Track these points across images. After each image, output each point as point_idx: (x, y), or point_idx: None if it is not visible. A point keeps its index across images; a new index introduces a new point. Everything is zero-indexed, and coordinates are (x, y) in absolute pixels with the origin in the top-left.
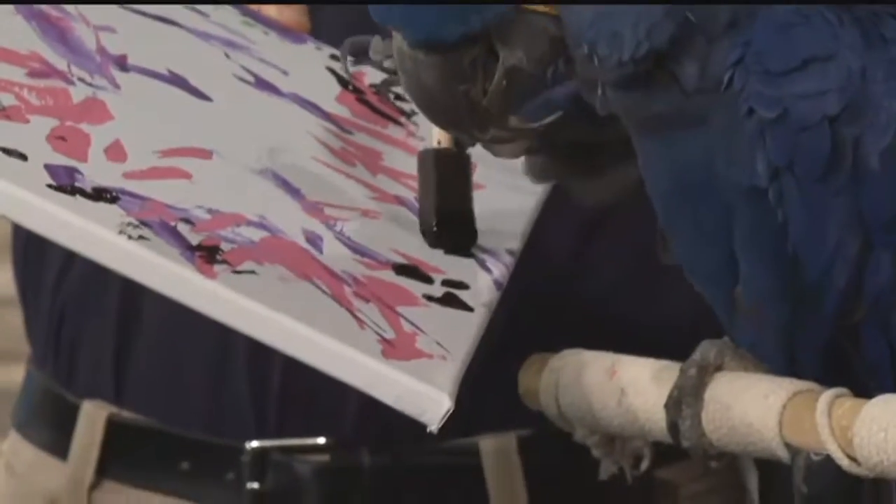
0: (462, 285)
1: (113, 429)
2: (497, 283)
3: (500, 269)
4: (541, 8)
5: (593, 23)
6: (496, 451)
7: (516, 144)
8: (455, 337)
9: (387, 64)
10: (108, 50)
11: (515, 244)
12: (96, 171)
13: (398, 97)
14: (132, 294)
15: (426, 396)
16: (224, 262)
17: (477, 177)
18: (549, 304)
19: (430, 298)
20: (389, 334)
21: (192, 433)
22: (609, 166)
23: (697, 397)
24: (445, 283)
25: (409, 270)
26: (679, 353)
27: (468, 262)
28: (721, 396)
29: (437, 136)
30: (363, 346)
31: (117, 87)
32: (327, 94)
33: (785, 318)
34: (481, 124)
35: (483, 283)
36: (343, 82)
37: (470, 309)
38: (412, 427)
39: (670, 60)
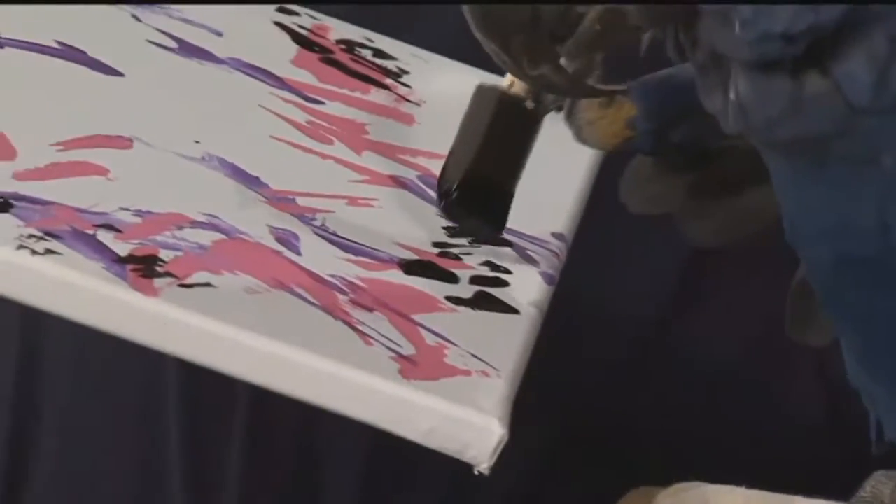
0: (499, 282)
1: None
2: (547, 277)
3: (547, 258)
4: None
5: None
6: None
7: (611, 126)
8: (498, 347)
9: None
10: None
11: (564, 226)
12: None
13: (377, 53)
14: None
15: (468, 424)
16: (167, 274)
17: None
18: (622, 384)
19: (456, 301)
20: (407, 349)
21: None
22: (733, 192)
23: None
24: (475, 280)
25: (423, 267)
26: (800, 457)
27: (504, 253)
28: None
29: (511, 77)
30: (373, 367)
31: None
32: (280, 56)
33: None
34: (536, 53)
35: (528, 277)
36: (301, 40)
37: (514, 311)
38: None
39: (833, 57)
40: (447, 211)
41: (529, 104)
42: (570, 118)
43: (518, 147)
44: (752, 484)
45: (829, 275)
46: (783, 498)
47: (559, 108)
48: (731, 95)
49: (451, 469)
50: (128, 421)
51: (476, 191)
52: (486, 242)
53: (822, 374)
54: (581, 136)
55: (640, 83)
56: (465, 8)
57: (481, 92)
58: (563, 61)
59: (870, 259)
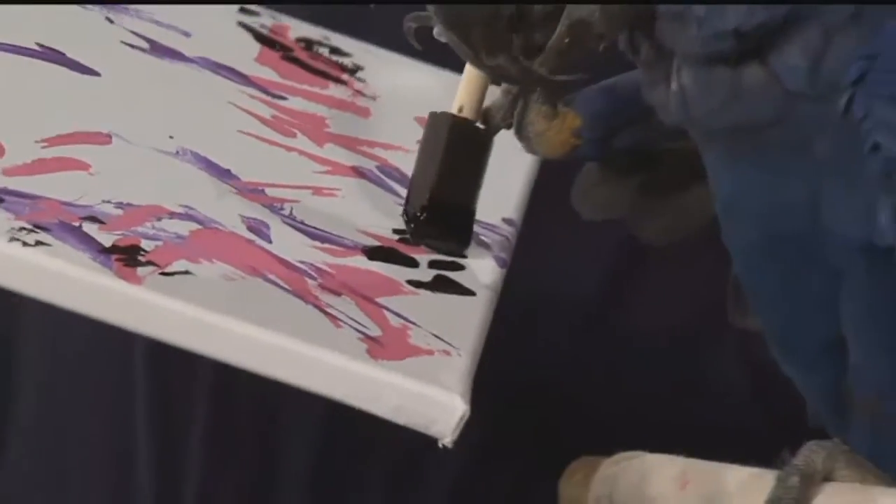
0: (456, 266)
1: None
2: (499, 260)
3: (499, 243)
4: None
5: None
6: None
7: (558, 137)
8: (457, 327)
9: None
10: None
11: (513, 212)
12: None
13: (334, 51)
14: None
15: (433, 401)
16: (149, 263)
17: None
18: (570, 362)
19: (417, 285)
20: (374, 331)
21: None
22: (678, 191)
23: None
24: (434, 264)
25: (385, 253)
26: (730, 431)
27: None
28: None
29: (459, 101)
30: (343, 348)
31: None
32: (244, 54)
33: None
34: (493, 45)
35: (482, 261)
36: (262, 39)
37: (471, 292)
38: None
39: (773, 49)
40: (415, 235)
41: (479, 125)
42: (520, 132)
43: (474, 167)
44: (686, 452)
45: (758, 256)
46: (717, 466)
47: (508, 126)
48: (674, 87)
49: (404, 440)
50: (98, 405)
51: (440, 213)
52: (450, 254)
53: (747, 353)
54: (531, 148)
55: (583, 94)
56: (431, 4)
57: (434, 119)
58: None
59: (799, 236)
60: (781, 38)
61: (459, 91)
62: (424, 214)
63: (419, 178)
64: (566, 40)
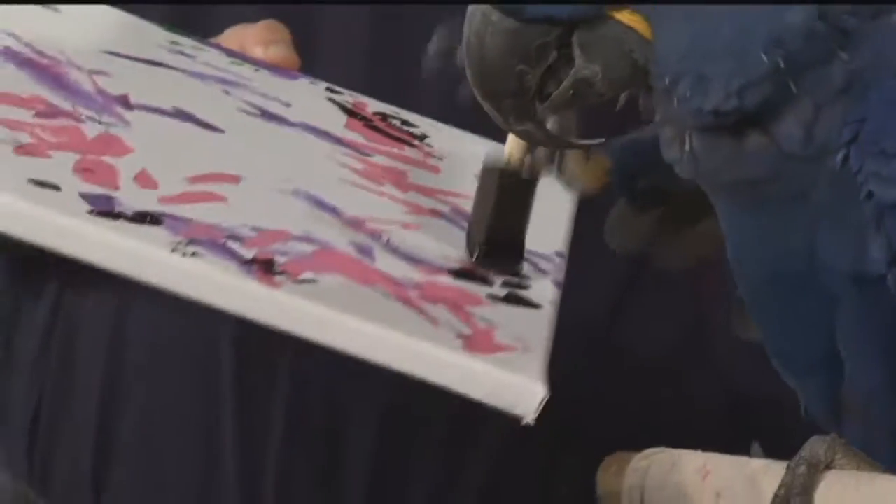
0: (522, 285)
1: None
2: (556, 283)
3: (554, 270)
4: (636, 23)
5: (684, 58)
6: None
7: (591, 176)
8: (530, 332)
9: None
10: (107, 91)
11: (562, 246)
12: (131, 198)
13: (404, 122)
14: (111, 406)
15: (518, 386)
16: (283, 272)
17: None
18: (578, 377)
19: (494, 298)
20: (466, 330)
21: None
22: (692, 223)
23: (807, 498)
24: (505, 283)
25: (466, 274)
26: (721, 435)
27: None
28: (832, 498)
29: (508, 151)
30: (443, 342)
31: (127, 122)
32: (335, 122)
33: None
34: (520, 112)
35: (542, 283)
36: (347, 111)
37: (538, 306)
38: None
39: (766, 119)
40: (477, 263)
41: (525, 174)
42: (560, 173)
43: (521, 209)
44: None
45: (761, 287)
46: (734, 458)
47: (549, 172)
48: (686, 147)
49: (450, 428)
50: (191, 401)
51: (494, 249)
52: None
53: (728, 369)
54: (570, 186)
55: (612, 145)
56: (469, 79)
57: (487, 168)
58: (549, 123)
59: (798, 272)
60: (778, 111)
61: (507, 145)
62: (482, 250)
63: (477, 219)
64: (570, 92)
